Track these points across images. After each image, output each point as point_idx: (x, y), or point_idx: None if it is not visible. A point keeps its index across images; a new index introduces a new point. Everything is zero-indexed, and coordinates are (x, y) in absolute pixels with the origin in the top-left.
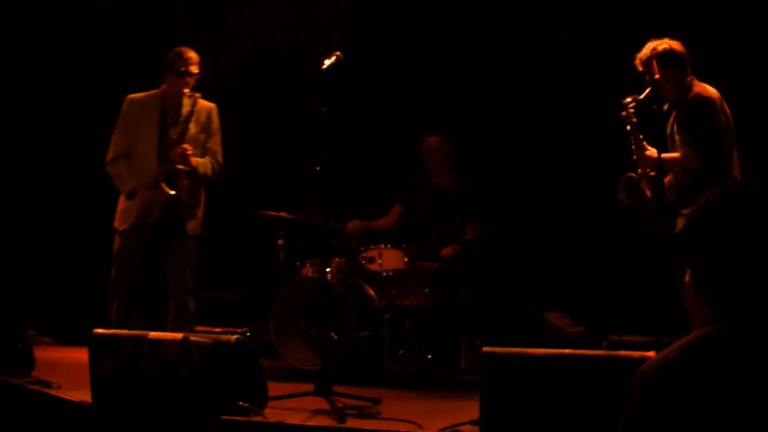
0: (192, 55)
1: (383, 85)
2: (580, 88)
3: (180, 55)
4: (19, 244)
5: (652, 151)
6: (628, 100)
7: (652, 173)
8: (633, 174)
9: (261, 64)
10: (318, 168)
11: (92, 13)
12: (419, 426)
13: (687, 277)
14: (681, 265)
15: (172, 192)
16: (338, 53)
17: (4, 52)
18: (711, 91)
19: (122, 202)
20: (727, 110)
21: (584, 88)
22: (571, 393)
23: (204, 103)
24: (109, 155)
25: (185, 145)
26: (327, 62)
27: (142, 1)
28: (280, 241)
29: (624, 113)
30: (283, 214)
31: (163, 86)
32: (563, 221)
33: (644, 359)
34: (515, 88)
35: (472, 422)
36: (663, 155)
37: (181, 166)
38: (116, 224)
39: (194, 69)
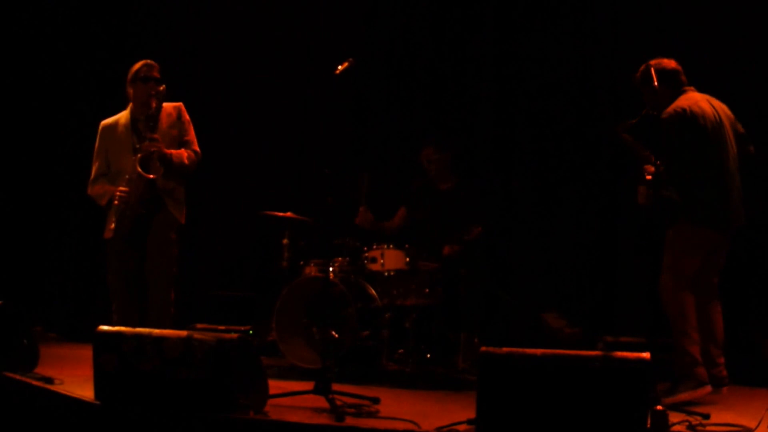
0: (153, 63)
1: (388, 89)
2: (578, 94)
3: (144, 64)
4: (30, 242)
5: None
6: (621, 124)
7: (648, 177)
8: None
9: (271, 68)
10: (327, 171)
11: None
12: (417, 425)
13: (661, 278)
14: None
15: (150, 176)
16: (351, 59)
17: (38, 60)
18: (684, 104)
19: (106, 216)
20: (703, 121)
21: (582, 93)
22: (566, 393)
23: (171, 103)
24: (90, 179)
25: (154, 135)
26: (340, 67)
27: (159, 7)
28: (285, 241)
29: (619, 138)
30: (289, 214)
31: (130, 104)
32: (560, 223)
33: (639, 360)
34: (515, 92)
35: (469, 421)
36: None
37: (153, 149)
38: (105, 234)
39: (157, 74)
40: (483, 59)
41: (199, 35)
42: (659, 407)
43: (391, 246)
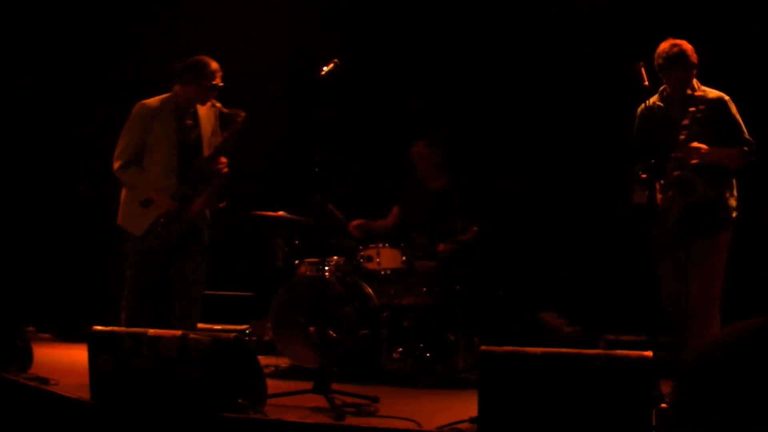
0: (217, 66)
1: (380, 89)
2: (573, 91)
3: (209, 66)
4: (19, 241)
5: (698, 144)
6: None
7: (644, 176)
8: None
9: (261, 67)
10: (316, 169)
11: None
12: (417, 424)
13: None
14: (663, 268)
15: (222, 204)
16: (336, 60)
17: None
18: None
19: (130, 205)
20: None
21: (577, 90)
22: (567, 391)
23: (208, 106)
24: (119, 161)
25: (222, 159)
26: (325, 69)
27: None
28: (278, 241)
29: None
30: (281, 213)
31: (176, 90)
32: (559, 221)
33: (640, 358)
34: (510, 91)
35: (471, 420)
36: (712, 149)
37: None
38: (130, 228)
39: (221, 81)
40: (476, 56)
41: (190, 32)
42: (664, 405)
43: (387, 245)
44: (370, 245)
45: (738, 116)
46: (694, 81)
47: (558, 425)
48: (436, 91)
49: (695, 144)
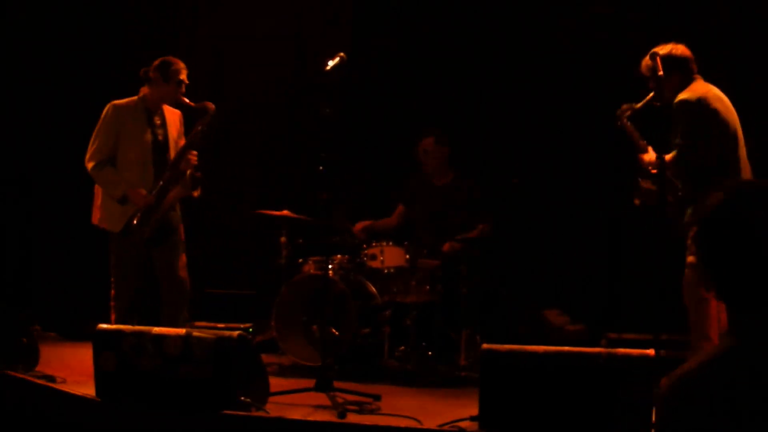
0: (183, 65)
1: (385, 85)
2: (579, 88)
3: (174, 65)
4: (24, 238)
5: (650, 154)
6: (624, 108)
7: (654, 171)
8: (642, 180)
9: (264, 64)
10: (321, 168)
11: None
12: (419, 422)
13: (686, 276)
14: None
15: (195, 193)
16: (342, 54)
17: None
18: (700, 92)
19: (107, 203)
20: (723, 111)
21: (583, 87)
22: (569, 390)
23: (174, 110)
24: (93, 161)
25: (194, 152)
26: (331, 63)
27: (140, 3)
28: (282, 239)
29: (620, 123)
30: (285, 212)
31: (145, 92)
32: (562, 219)
33: (643, 357)
34: (514, 87)
35: (471, 418)
36: (664, 156)
37: (198, 173)
38: (108, 225)
39: (187, 79)
40: (483, 51)
41: (188, 30)
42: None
43: (391, 243)
44: (374, 243)
45: (683, 120)
46: (700, 80)
47: (559, 424)
48: (442, 88)
49: (646, 156)
